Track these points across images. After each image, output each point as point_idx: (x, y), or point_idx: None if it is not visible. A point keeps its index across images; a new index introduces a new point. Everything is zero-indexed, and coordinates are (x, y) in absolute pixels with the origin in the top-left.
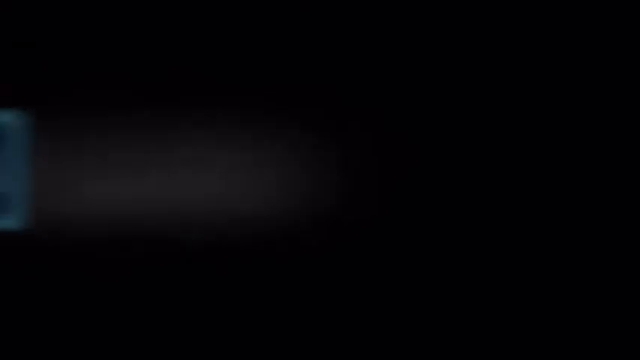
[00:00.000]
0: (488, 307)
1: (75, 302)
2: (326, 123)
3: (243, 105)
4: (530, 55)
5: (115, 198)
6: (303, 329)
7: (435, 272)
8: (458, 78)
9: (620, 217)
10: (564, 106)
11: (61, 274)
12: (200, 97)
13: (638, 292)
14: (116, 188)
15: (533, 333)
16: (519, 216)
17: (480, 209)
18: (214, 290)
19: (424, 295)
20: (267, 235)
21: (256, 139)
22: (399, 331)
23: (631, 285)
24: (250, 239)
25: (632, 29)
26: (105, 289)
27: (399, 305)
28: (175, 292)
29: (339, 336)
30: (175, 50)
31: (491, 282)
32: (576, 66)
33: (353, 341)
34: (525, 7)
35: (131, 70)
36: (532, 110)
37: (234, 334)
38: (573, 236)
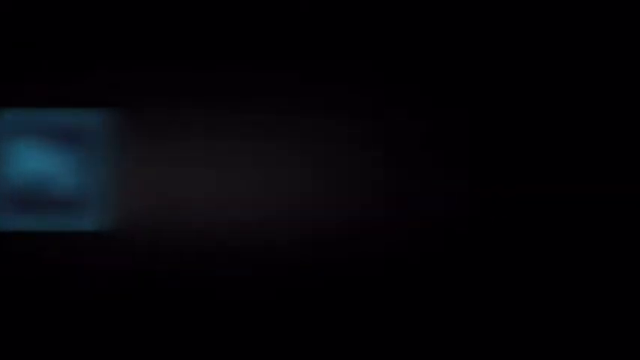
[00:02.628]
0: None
1: (150, 304)
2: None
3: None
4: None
5: (195, 200)
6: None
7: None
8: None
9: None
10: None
11: (138, 275)
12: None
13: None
14: (196, 189)
15: (522, 331)
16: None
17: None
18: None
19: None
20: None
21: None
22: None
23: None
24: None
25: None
26: (181, 292)
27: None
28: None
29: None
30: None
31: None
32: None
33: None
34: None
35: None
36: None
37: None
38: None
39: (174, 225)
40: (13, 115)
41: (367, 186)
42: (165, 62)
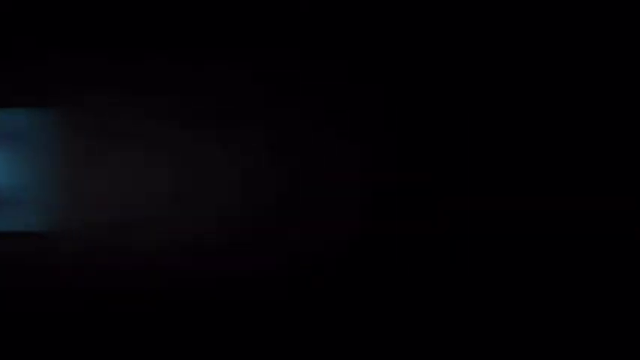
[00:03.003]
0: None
1: (94, 303)
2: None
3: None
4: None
5: (136, 200)
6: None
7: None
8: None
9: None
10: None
11: (80, 275)
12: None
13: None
14: (138, 189)
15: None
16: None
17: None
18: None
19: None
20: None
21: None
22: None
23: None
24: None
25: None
26: (124, 290)
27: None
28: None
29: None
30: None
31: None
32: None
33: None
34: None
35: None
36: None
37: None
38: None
39: (115, 223)
40: None
41: (261, 192)
42: (105, 62)
